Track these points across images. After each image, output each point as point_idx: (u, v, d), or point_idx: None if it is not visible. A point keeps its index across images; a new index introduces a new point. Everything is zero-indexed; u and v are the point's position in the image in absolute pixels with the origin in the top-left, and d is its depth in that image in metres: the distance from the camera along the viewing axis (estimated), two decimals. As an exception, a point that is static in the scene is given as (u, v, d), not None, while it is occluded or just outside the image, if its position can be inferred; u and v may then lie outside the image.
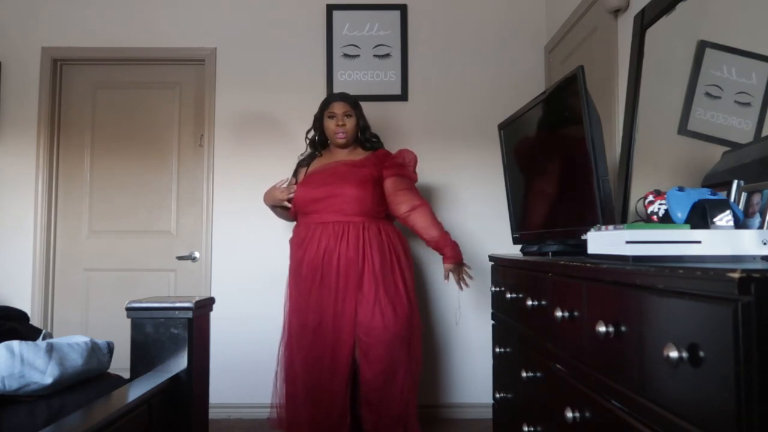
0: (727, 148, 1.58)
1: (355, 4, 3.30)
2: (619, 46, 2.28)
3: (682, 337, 0.86)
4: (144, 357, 1.71)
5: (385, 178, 2.55)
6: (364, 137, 2.68)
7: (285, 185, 2.61)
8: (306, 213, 2.55)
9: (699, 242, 1.08)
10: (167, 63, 3.35)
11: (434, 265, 3.26)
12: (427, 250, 3.25)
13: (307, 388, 2.39)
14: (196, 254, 3.30)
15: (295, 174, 2.72)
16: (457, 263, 2.56)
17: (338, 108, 2.62)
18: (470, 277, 2.61)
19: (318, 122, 2.69)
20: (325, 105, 2.67)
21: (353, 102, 2.67)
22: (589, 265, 1.24)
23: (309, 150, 2.75)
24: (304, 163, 2.72)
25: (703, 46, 1.72)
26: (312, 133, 2.73)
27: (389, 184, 2.54)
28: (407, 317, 2.42)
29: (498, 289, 2.22)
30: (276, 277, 3.12)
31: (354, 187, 2.48)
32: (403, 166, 2.59)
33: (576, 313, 1.31)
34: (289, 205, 2.59)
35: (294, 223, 2.77)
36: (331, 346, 2.38)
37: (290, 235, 2.70)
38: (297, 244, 2.55)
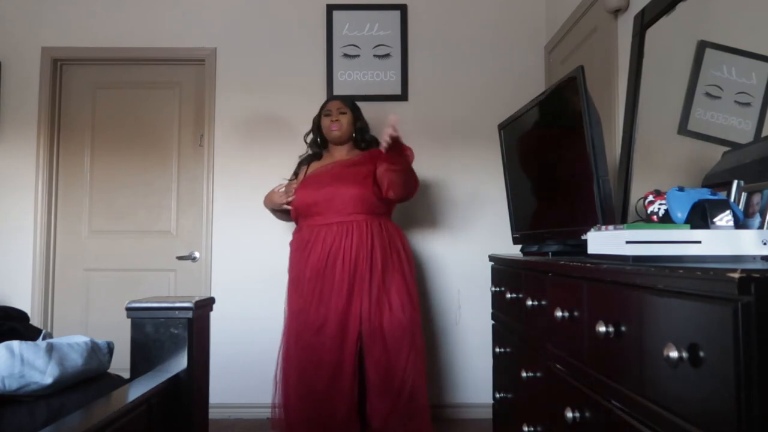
0: (727, 148, 1.58)
1: (355, 4, 3.30)
2: (619, 46, 2.28)
3: (682, 337, 0.86)
4: (144, 357, 1.71)
5: (378, 166, 2.51)
6: (361, 138, 2.70)
7: (283, 189, 2.62)
8: (308, 215, 2.56)
9: (699, 242, 1.08)
10: (167, 63, 3.35)
11: (434, 264, 3.26)
12: (427, 250, 3.25)
13: (309, 388, 2.39)
14: (196, 254, 3.30)
15: (296, 172, 2.74)
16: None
17: (333, 106, 2.69)
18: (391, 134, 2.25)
19: (315, 124, 2.74)
20: (322, 107, 2.74)
21: (350, 103, 2.72)
22: (589, 265, 1.24)
23: (310, 151, 2.78)
24: (304, 161, 2.75)
25: (703, 46, 1.72)
26: (311, 136, 2.76)
27: (380, 170, 2.48)
28: (410, 311, 2.45)
29: (498, 289, 2.22)
30: (276, 277, 3.12)
31: (353, 187, 2.50)
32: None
33: (576, 313, 1.31)
34: (290, 208, 2.60)
35: (293, 223, 2.77)
36: (338, 346, 2.38)
37: (291, 233, 2.70)
38: (300, 247, 2.55)
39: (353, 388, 2.39)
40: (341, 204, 2.49)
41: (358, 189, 2.49)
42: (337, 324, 2.39)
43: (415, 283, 2.59)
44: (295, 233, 2.65)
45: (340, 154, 2.68)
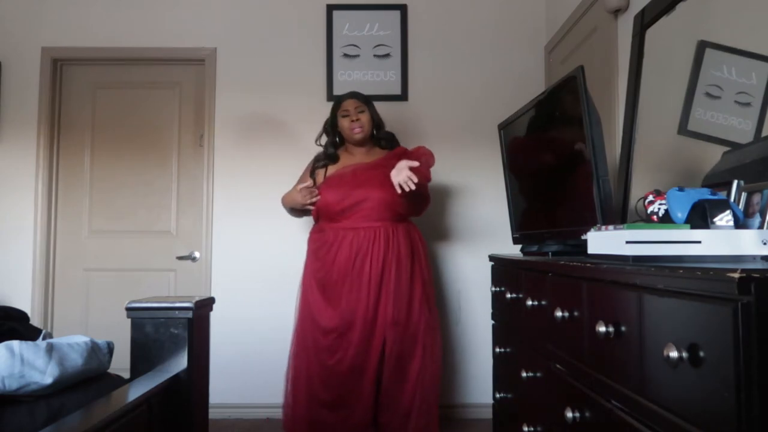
0: (727, 148, 1.58)
1: (355, 4, 3.30)
2: (619, 46, 2.28)
3: (682, 337, 0.86)
4: (144, 357, 1.71)
5: None
6: (379, 135, 2.65)
7: (304, 187, 2.51)
8: (333, 218, 2.50)
9: (699, 242, 1.08)
10: (167, 63, 3.35)
11: (434, 264, 3.26)
12: (428, 250, 3.25)
13: (322, 390, 2.38)
14: (196, 254, 3.30)
15: (312, 174, 2.62)
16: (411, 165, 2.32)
17: (350, 105, 2.59)
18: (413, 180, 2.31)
19: (331, 125, 2.65)
20: (336, 106, 2.64)
21: (364, 99, 2.63)
22: (589, 265, 1.24)
23: (326, 154, 2.65)
24: (320, 165, 2.63)
25: (703, 46, 1.72)
26: (325, 138, 2.67)
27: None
28: (429, 318, 2.45)
29: (498, 289, 2.22)
30: (276, 277, 3.13)
31: (380, 190, 2.43)
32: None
33: (576, 313, 1.31)
34: (312, 208, 2.54)
35: (303, 218, 2.74)
36: (363, 350, 2.37)
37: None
38: (323, 248, 2.49)
39: (372, 392, 2.38)
40: (369, 208, 2.45)
41: (385, 193, 2.42)
42: (363, 328, 2.37)
43: (434, 290, 2.58)
44: (316, 233, 2.58)
45: (360, 153, 2.62)
